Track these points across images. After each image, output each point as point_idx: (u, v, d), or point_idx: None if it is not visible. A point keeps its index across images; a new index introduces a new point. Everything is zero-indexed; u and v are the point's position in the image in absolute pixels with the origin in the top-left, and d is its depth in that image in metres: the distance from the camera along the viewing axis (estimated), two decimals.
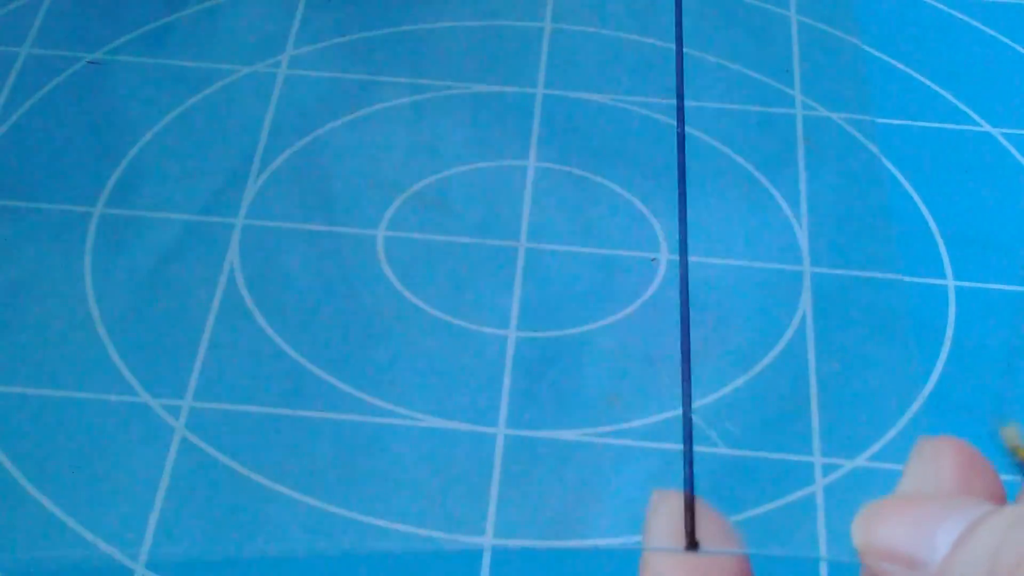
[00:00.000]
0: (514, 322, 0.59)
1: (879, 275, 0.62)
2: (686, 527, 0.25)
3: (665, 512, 0.25)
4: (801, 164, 0.67)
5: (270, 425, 0.55)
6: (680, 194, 0.31)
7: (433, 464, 0.55)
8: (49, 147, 0.66)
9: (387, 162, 0.66)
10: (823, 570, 0.52)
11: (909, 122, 0.70)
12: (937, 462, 0.25)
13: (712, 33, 0.74)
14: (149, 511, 0.53)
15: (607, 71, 0.72)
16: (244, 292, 0.60)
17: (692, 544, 0.25)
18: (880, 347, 0.59)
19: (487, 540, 0.53)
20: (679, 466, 0.58)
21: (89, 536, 0.52)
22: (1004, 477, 0.24)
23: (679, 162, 0.33)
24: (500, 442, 0.55)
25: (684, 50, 0.72)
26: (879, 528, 0.24)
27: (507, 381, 0.57)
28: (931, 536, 0.23)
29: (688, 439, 0.26)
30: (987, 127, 0.70)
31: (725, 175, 0.66)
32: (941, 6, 0.77)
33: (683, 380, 0.27)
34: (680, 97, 0.54)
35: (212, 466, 0.54)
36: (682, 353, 0.28)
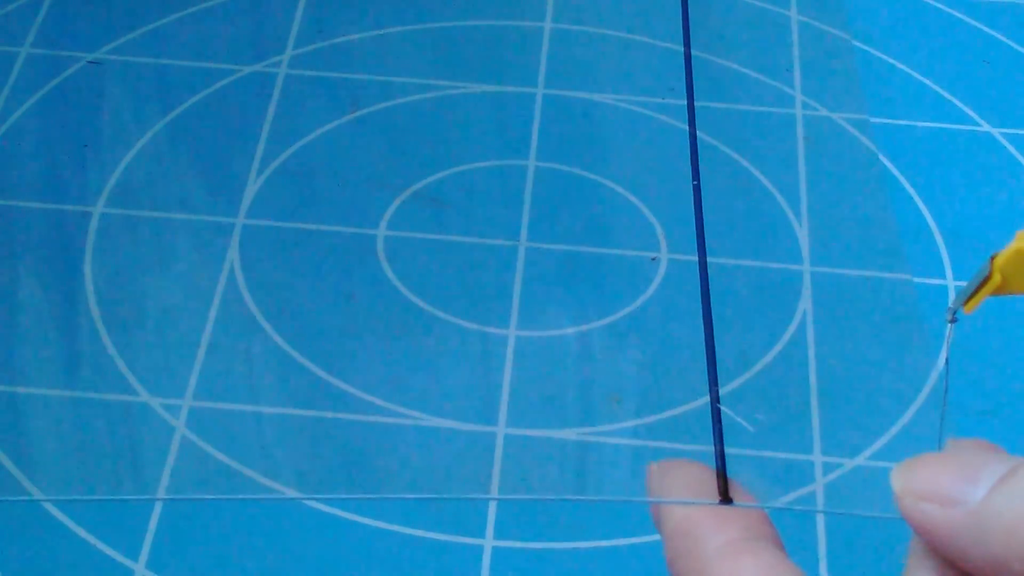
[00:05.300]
0: (514, 321, 0.59)
1: (879, 275, 0.62)
2: (719, 485, 0.27)
3: (681, 475, 0.27)
4: (801, 164, 0.67)
5: (270, 425, 0.55)
6: (695, 194, 0.31)
7: (433, 464, 0.55)
8: (49, 147, 0.66)
9: (387, 162, 0.66)
10: (822, 568, 0.52)
11: (909, 122, 0.70)
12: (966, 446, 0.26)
13: (712, 33, 0.74)
14: (149, 510, 0.53)
15: (607, 71, 0.72)
16: (244, 292, 0.60)
17: (726, 499, 0.27)
18: (880, 347, 0.59)
19: (487, 540, 0.53)
20: None
21: (89, 536, 0.52)
22: None
23: (692, 163, 0.33)
24: (500, 442, 0.55)
25: (685, 50, 0.72)
26: (921, 472, 0.25)
27: (507, 381, 0.57)
28: (974, 476, 0.24)
29: (715, 399, 0.28)
30: (987, 127, 0.70)
31: (725, 175, 0.66)
32: (941, 6, 0.77)
33: (707, 351, 0.29)
34: (690, 97, 0.54)
35: (212, 466, 0.54)
36: (705, 329, 0.30)
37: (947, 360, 0.32)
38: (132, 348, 0.57)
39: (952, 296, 0.62)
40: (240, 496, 0.54)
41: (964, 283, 0.28)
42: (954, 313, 0.28)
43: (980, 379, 0.59)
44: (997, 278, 0.27)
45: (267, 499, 0.54)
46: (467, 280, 0.61)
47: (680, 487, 0.27)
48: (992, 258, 0.27)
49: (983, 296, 0.27)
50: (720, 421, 0.29)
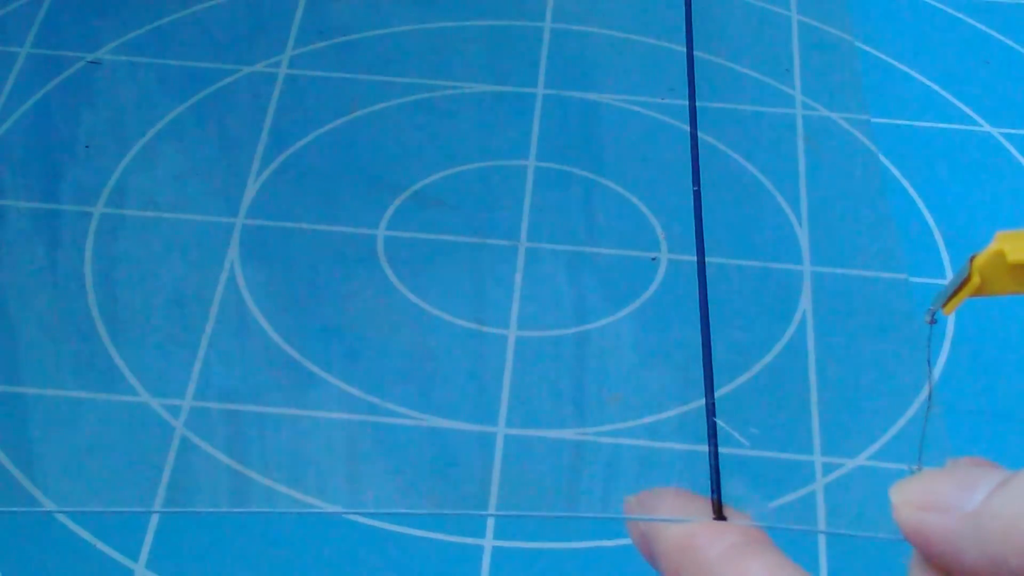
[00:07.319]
0: (514, 322, 0.59)
1: (879, 275, 0.62)
2: (713, 504, 0.27)
3: (666, 501, 0.27)
4: (801, 164, 0.67)
5: (270, 425, 0.55)
6: (696, 200, 0.31)
7: (433, 464, 0.55)
8: (49, 147, 0.66)
9: (387, 162, 0.66)
10: (822, 566, 0.52)
11: (909, 122, 0.70)
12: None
13: (712, 33, 0.74)
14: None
15: (607, 71, 0.72)
16: (244, 292, 0.60)
17: (720, 516, 0.27)
18: (880, 347, 0.59)
19: (487, 540, 0.53)
20: (679, 465, 0.58)
21: (89, 536, 0.52)
22: None
23: (694, 169, 0.33)
24: (500, 442, 0.55)
25: (685, 50, 0.72)
26: (920, 484, 0.25)
27: (507, 381, 0.57)
28: (972, 485, 0.24)
29: (711, 412, 0.28)
30: (987, 127, 0.70)
31: (726, 175, 0.66)
32: (941, 6, 0.77)
33: (704, 364, 0.29)
34: (692, 100, 0.54)
35: (212, 466, 0.54)
36: (703, 339, 0.30)
37: (928, 362, 0.32)
38: (132, 348, 0.57)
39: None
40: (241, 510, 0.54)
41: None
42: (933, 314, 0.28)
43: (980, 379, 0.59)
44: (976, 279, 0.27)
45: (273, 511, 0.54)
46: (467, 280, 0.61)
47: (667, 513, 0.27)
48: (971, 259, 0.27)
49: (962, 298, 0.27)
50: (716, 435, 0.29)
